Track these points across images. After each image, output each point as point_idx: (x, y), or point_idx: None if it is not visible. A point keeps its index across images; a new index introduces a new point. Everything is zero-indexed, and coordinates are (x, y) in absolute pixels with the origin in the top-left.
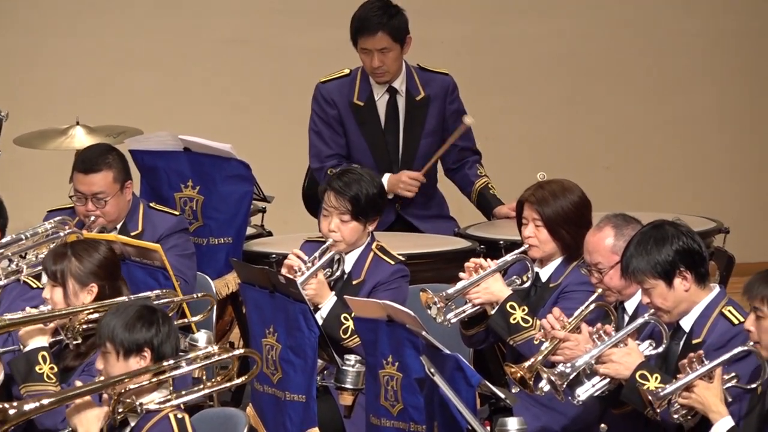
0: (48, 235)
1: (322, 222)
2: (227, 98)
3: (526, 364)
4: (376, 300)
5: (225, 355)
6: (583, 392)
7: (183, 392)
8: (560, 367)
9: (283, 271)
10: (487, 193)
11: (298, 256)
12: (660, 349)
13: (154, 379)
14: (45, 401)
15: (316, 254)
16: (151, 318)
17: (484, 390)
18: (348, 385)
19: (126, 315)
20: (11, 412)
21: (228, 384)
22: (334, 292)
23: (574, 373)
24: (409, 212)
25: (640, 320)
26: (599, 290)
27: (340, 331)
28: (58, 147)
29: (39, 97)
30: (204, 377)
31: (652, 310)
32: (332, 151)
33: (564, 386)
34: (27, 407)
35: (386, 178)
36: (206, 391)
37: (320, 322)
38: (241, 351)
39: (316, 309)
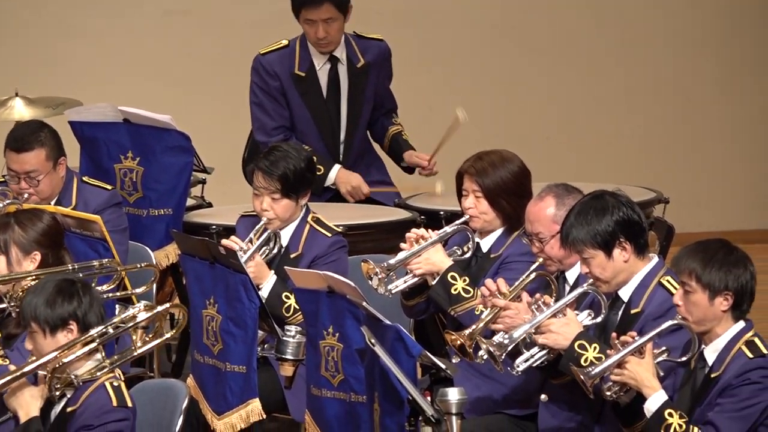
0: None
1: (254, 201)
2: (168, 70)
3: (467, 331)
4: (316, 271)
5: (149, 313)
6: (522, 363)
7: (115, 357)
8: (498, 338)
9: (221, 245)
10: (399, 138)
11: (234, 242)
12: (599, 319)
13: (85, 349)
14: None
15: (252, 235)
16: (71, 290)
17: (425, 360)
18: (288, 356)
19: (45, 292)
20: None
21: (158, 341)
22: (273, 272)
23: (513, 344)
24: None
25: (578, 290)
26: (540, 259)
27: (283, 310)
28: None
29: None
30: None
31: (591, 280)
32: (277, 123)
33: (503, 357)
34: None
35: (336, 171)
36: (138, 351)
37: (264, 295)
38: (167, 305)
39: (258, 289)
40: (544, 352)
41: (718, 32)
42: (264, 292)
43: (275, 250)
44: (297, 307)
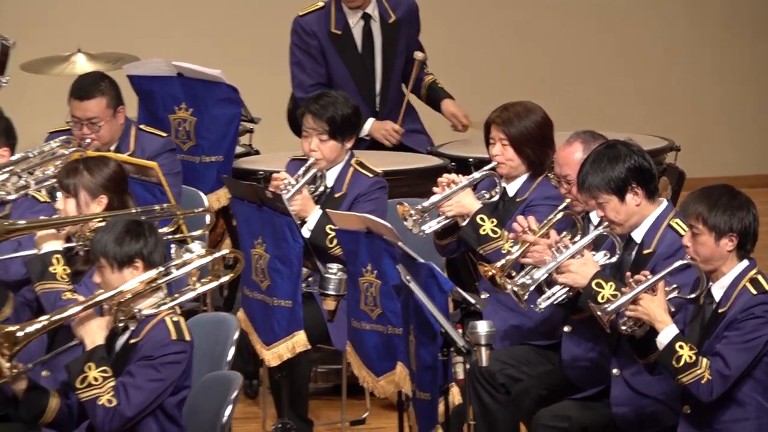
0: (53, 153)
1: (303, 142)
2: (218, 28)
3: (499, 264)
4: (355, 213)
5: (210, 257)
6: (544, 300)
7: (176, 294)
8: (521, 279)
9: (271, 184)
10: (435, 86)
11: (283, 177)
12: (614, 259)
13: (148, 287)
14: (45, 322)
15: (300, 172)
16: (138, 230)
17: (456, 296)
18: (331, 292)
19: (115, 230)
20: (19, 334)
21: (216, 283)
22: (318, 206)
23: (535, 284)
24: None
25: (594, 233)
26: (567, 200)
27: (327, 241)
28: (61, 73)
29: (41, 25)
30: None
31: (606, 223)
32: (314, 80)
33: (526, 296)
34: (30, 329)
35: (370, 123)
36: (197, 291)
37: (308, 234)
38: (226, 251)
39: (303, 222)
40: (564, 290)
41: None
42: (309, 225)
43: (321, 189)
44: (336, 231)
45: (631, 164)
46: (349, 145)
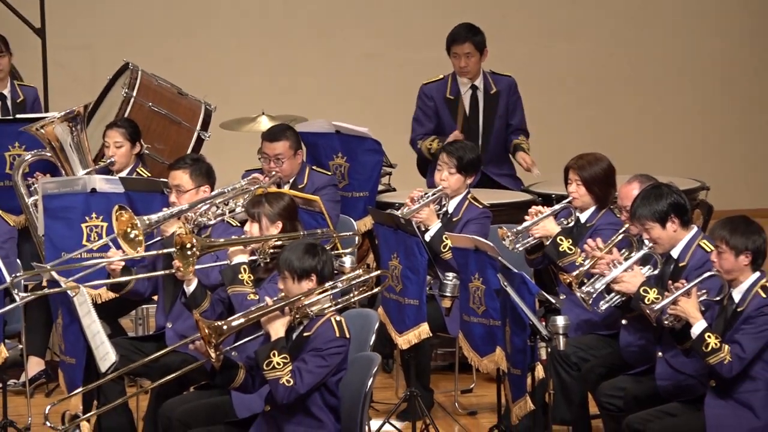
0: (243, 189)
1: (436, 174)
2: (366, 95)
3: (575, 273)
4: (467, 235)
5: (367, 276)
6: (604, 304)
7: (339, 300)
8: (587, 288)
9: (407, 200)
10: (518, 146)
11: (418, 192)
12: (656, 272)
13: (321, 296)
14: (242, 319)
15: (430, 193)
16: (314, 251)
17: (541, 297)
18: (447, 294)
19: (297, 250)
20: (224, 328)
21: (369, 293)
22: (439, 220)
23: (596, 293)
24: (489, 170)
25: (641, 252)
26: (626, 225)
27: (441, 247)
28: (249, 130)
29: (234, 93)
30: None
31: (651, 244)
32: (424, 131)
33: (590, 300)
34: (233, 324)
35: None
36: (355, 299)
37: (428, 239)
38: (378, 272)
39: (427, 230)
40: (619, 296)
41: (755, 24)
42: (431, 233)
43: (443, 210)
44: (451, 247)
45: (671, 201)
46: (469, 181)
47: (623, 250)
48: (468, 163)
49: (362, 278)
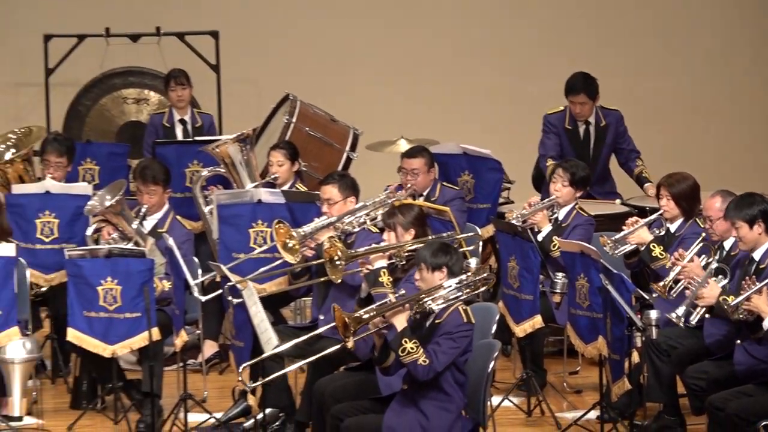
0: (382, 202)
1: (551, 185)
2: (489, 122)
3: (662, 282)
4: (574, 241)
5: (485, 274)
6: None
7: (464, 292)
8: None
9: (525, 204)
10: (640, 176)
11: (534, 199)
12: (726, 281)
13: (450, 287)
14: (373, 312)
15: (543, 201)
16: (446, 249)
17: (637, 294)
18: (557, 290)
19: (432, 247)
20: (365, 317)
21: (483, 288)
22: (550, 224)
23: (684, 315)
24: (594, 190)
25: (712, 267)
26: (703, 234)
27: (551, 246)
28: (390, 151)
29: (377, 121)
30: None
31: (717, 265)
32: (546, 154)
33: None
34: (366, 316)
35: None
36: (475, 292)
37: (540, 238)
38: (493, 273)
39: (539, 231)
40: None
41: None
42: (543, 234)
43: (555, 216)
44: (558, 246)
45: (762, 208)
46: (578, 194)
47: (702, 256)
48: (579, 179)
49: (481, 276)
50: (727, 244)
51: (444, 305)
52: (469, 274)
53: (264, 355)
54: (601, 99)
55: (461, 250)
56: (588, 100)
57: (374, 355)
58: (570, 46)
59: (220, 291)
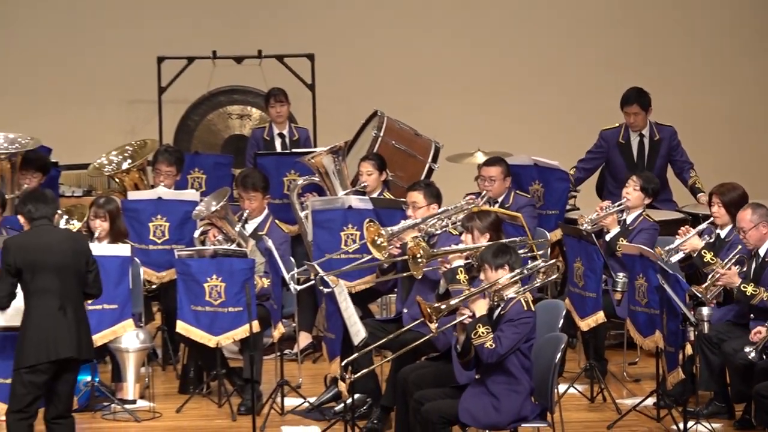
0: (462, 208)
1: (624, 189)
2: (557, 136)
3: (704, 285)
4: (634, 245)
5: (546, 264)
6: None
7: (526, 286)
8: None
9: (597, 207)
10: (694, 186)
11: (603, 205)
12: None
13: (511, 282)
14: (454, 301)
15: (614, 205)
16: (505, 249)
17: (690, 293)
18: (618, 289)
19: (494, 248)
20: (442, 307)
21: (547, 279)
22: (619, 226)
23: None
24: None
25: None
26: (745, 242)
27: (617, 246)
28: (468, 162)
29: (456, 133)
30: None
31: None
32: (589, 167)
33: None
34: (444, 306)
35: None
36: (538, 284)
37: (608, 239)
38: (556, 263)
39: (608, 232)
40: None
41: None
42: (611, 234)
43: (623, 218)
44: (620, 249)
45: None
46: (647, 201)
47: (737, 266)
48: (651, 188)
49: (544, 266)
50: (762, 251)
51: (514, 294)
52: (530, 267)
53: (357, 354)
54: (658, 116)
55: (531, 254)
56: (640, 111)
57: (457, 350)
58: (628, 67)
59: (312, 282)
